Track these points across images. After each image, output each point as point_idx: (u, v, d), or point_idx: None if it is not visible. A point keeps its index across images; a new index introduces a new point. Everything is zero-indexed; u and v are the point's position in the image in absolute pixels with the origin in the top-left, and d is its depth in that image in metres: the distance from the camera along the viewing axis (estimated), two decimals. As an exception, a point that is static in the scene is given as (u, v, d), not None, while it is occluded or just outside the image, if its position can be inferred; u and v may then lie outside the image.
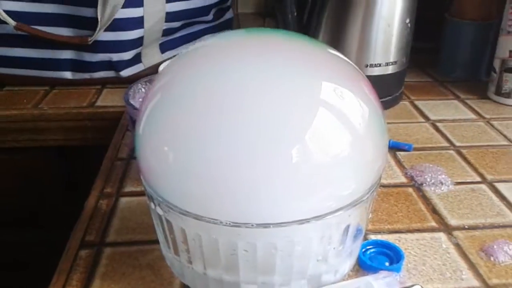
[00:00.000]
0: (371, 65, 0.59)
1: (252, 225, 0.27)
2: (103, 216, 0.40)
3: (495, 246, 0.37)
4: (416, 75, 0.73)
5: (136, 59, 0.67)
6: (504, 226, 0.40)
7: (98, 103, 0.62)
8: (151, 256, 0.36)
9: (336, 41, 0.59)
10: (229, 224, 0.27)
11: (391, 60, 0.60)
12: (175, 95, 0.29)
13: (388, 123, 0.58)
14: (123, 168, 0.47)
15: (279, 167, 0.26)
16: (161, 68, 0.47)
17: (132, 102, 0.44)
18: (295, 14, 0.59)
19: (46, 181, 0.63)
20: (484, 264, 0.36)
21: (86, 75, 0.66)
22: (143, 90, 0.47)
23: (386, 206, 0.43)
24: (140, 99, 0.46)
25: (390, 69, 0.60)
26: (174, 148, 0.28)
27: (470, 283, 0.34)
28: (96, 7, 0.60)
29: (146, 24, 0.64)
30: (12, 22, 0.59)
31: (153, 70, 0.65)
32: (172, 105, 0.28)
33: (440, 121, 0.59)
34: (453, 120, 0.60)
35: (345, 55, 0.59)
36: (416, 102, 0.65)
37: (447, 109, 0.63)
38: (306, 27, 0.62)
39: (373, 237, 0.39)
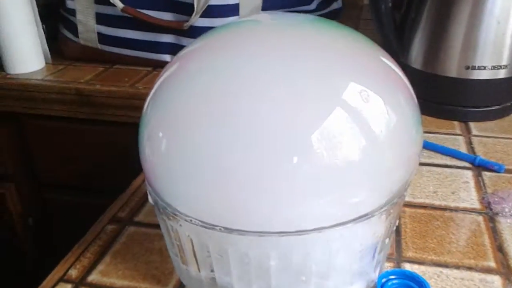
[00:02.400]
0: (474, 67, 0.51)
1: (220, 229, 0.25)
2: (143, 196, 0.42)
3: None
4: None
5: (231, 46, 0.67)
6: None
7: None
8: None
9: (437, 37, 0.52)
10: (198, 224, 0.25)
11: (502, 63, 0.51)
12: (179, 86, 0.28)
13: (485, 136, 0.50)
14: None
15: (265, 169, 0.24)
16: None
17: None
18: (390, 5, 0.53)
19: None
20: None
21: (184, 59, 0.68)
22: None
23: (441, 233, 0.37)
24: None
25: (501, 74, 0.51)
26: (167, 136, 0.27)
27: None
28: (194, -7, 0.62)
29: (241, 12, 0.64)
30: (120, 4, 0.64)
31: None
32: (171, 95, 0.28)
33: (556, 141, 0.49)
34: None
35: (446, 54, 0.53)
36: (534, 116, 0.54)
37: None
38: (402, 21, 0.56)
39: (408, 266, 0.34)
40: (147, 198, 0.41)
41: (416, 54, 0.54)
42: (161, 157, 0.27)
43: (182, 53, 0.30)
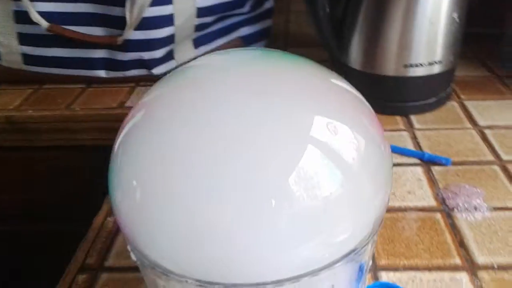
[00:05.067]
0: (412, 65, 0.53)
1: (192, 282, 0.24)
2: (108, 235, 0.40)
3: (524, 297, 0.32)
4: (472, 68, 0.66)
5: (169, 57, 0.66)
6: (542, 269, 0.35)
7: (128, 103, 0.62)
8: (144, 286, 0.35)
9: (374, 39, 0.54)
10: (174, 277, 0.25)
11: (436, 59, 0.54)
12: (147, 136, 0.27)
13: (427, 129, 0.53)
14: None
15: (246, 216, 0.24)
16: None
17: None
18: (328, 10, 0.54)
19: (79, 177, 0.64)
20: (508, 318, 0.31)
21: (120, 74, 0.65)
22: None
23: (408, 235, 0.39)
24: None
25: (435, 69, 0.54)
26: (141, 184, 0.26)
27: None
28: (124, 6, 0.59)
29: (176, 21, 0.62)
30: (44, 23, 0.60)
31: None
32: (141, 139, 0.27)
33: (489, 127, 0.53)
34: (506, 127, 0.53)
35: (383, 54, 0.55)
36: (466, 103, 0.58)
37: (501, 112, 0.56)
38: (340, 24, 0.57)
39: (384, 274, 0.35)
40: (112, 238, 0.40)
41: (355, 56, 0.56)
42: (137, 210, 0.26)
43: (145, 99, 0.29)
